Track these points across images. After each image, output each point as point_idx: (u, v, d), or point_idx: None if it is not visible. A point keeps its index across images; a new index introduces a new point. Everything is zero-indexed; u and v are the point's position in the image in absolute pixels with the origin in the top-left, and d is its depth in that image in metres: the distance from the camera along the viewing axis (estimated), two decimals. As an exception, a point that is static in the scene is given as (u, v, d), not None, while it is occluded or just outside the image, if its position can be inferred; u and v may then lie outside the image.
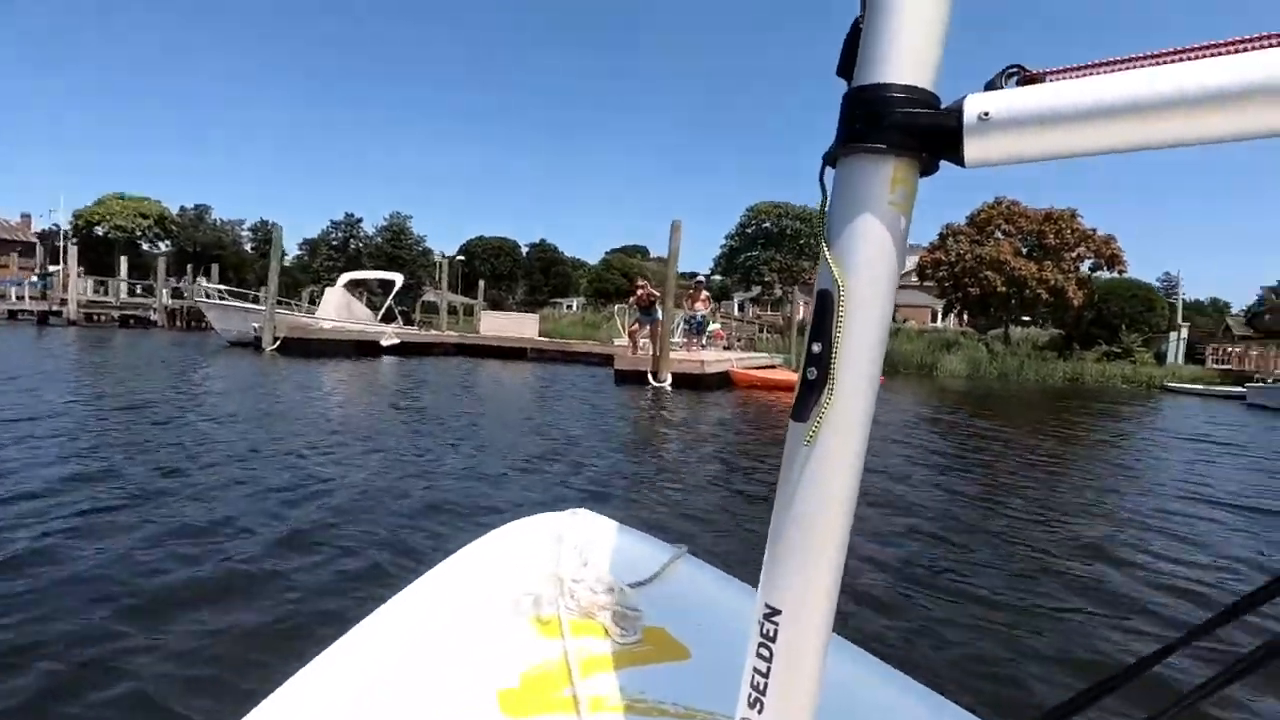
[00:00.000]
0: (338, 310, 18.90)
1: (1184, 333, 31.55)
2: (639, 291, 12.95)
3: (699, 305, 13.15)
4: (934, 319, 42.32)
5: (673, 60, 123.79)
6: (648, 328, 12.97)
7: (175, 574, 2.82)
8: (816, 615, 0.57)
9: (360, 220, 68.14)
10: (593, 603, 1.14)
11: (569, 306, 54.03)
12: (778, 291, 36.38)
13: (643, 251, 72.30)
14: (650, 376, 12.08)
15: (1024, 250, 31.67)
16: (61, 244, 41.07)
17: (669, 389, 11.76)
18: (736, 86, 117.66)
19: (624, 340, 20.58)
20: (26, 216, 45.91)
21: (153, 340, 19.41)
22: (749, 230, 36.76)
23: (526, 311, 24.30)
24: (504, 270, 69.59)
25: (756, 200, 37.03)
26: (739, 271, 37.38)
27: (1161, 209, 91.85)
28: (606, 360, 18.63)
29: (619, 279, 62.81)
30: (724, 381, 13.01)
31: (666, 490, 4.91)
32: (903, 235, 0.54)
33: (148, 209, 56.12)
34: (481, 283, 25.02)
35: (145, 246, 54.68)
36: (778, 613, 0.57)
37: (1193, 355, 31.49)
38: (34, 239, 43.87)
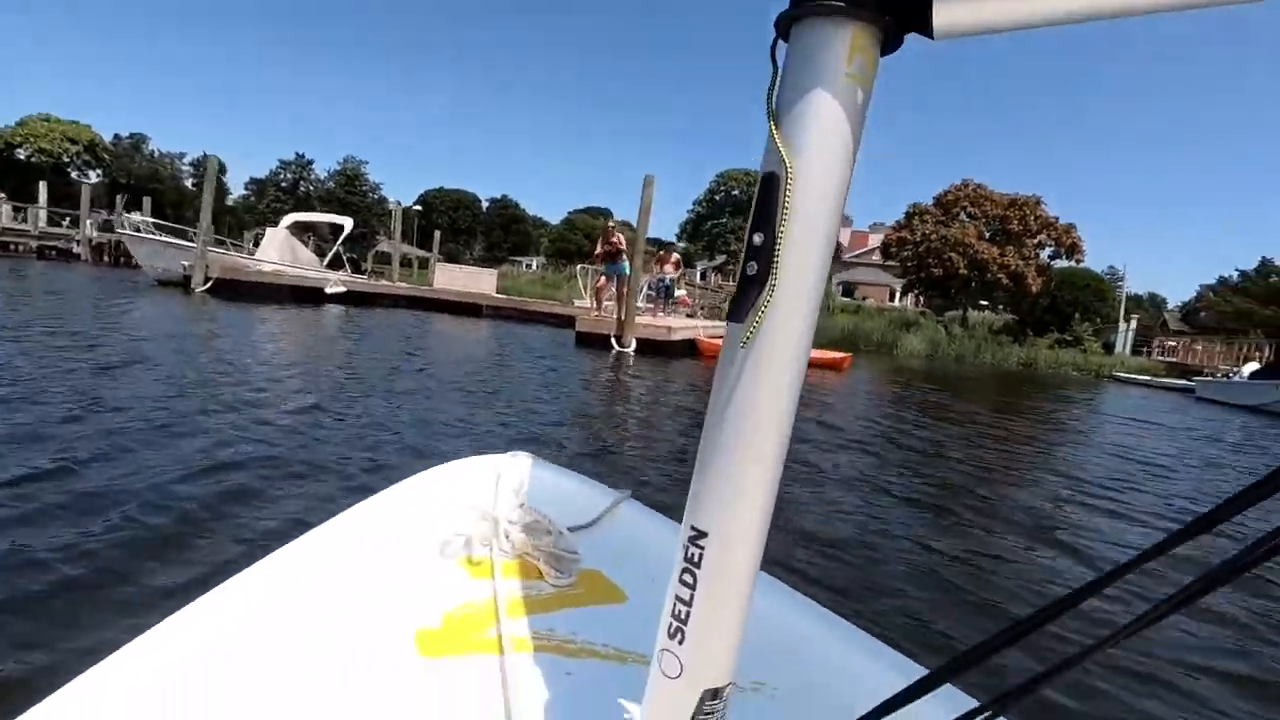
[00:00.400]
0: (279, 253, 17.60)
1: (1133, 324, 32.31)
2: (611, 238, 12.00)
3: (668, 268, 12.33)
4: (892, 298, 42.58)
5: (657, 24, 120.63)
6: (612, 287, 12.28)
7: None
8: (747, 538, 0.54)
9: (312, 162, 65.22)
10: (527, 544, 1.10)
11: (528, 265, 52.93)
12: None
13: (606, 214, 70.90)
14: (614, 340, 11.44)
15: (987, 234, 31.82)
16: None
17: (633, 355, 11.15)
18: (717, 50, 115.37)
19: (585, 301, 19.92)
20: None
21: (73, 275, 17.82)
22: (717, 198, 35.99)
23: (485, 267, 23.09)
24: (463, 224, 67.98)
25: (727, 167, 36.31)
26: (705, 239, 36.72)
27: (1110, 202, 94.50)
28: (567, 322, 17.86)
29: (581, 240, 61.58)
30: (690, 350, 12.47)
31: (624, 452, 4.48)
32: (860, 112, 0.49)
33: (77, 134, 52.23)
34: (437, 233, 23.72)
35: (74, 175, 50.94)
36: (703, 535, 0.54)
37: (1136, 348, 32.33)
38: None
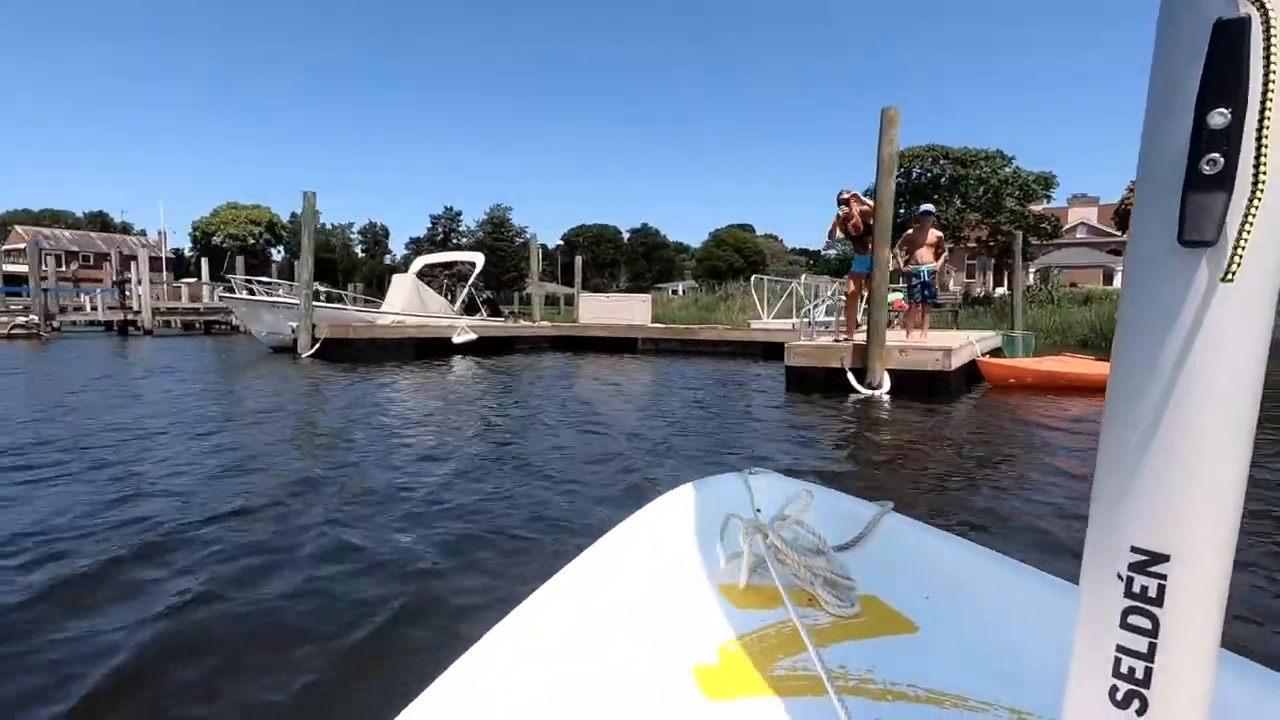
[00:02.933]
0: (407, 302, 15.24)
1: None
2: (851, 209, 7.74)
3: (924, 254, 7.69)
4: (1108, 281, 34.27)
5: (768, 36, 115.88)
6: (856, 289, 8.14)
7: None
8: (1223, 563, 0.40)
9: (460, 214, 67.08)
10: (801, 567, 0.96)
11: (674, 292, 50.07)
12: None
13: (749, 229, 66.65)
14: (851, 377, 7.22)
15: None
16: (160, 254, 41.32)
17: (887, 398, 6.89)
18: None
19: (765, 321, 15.81)
20: (161, 234, 47.22)
21: (206, 346, 16.62)
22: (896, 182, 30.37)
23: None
24: (605, 258, 67.79)
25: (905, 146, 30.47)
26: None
27: None
28: (747, 351, 13.91)
29: (731, 254, 57.76)
30: (970, 379, 7.97)
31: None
32: None
33: (258, 216, 56.97)
34: (579, 258, 20.56)
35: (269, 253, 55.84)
36: (1162, 559, 0.40)
37: None
38: (162, 253, 44.38)
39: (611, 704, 0.75)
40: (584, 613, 0.90)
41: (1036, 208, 29.78)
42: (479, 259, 17.17)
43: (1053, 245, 33.94)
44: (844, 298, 9.11)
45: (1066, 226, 37.83)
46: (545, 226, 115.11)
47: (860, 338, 7.53)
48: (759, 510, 1.16)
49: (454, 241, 66.87)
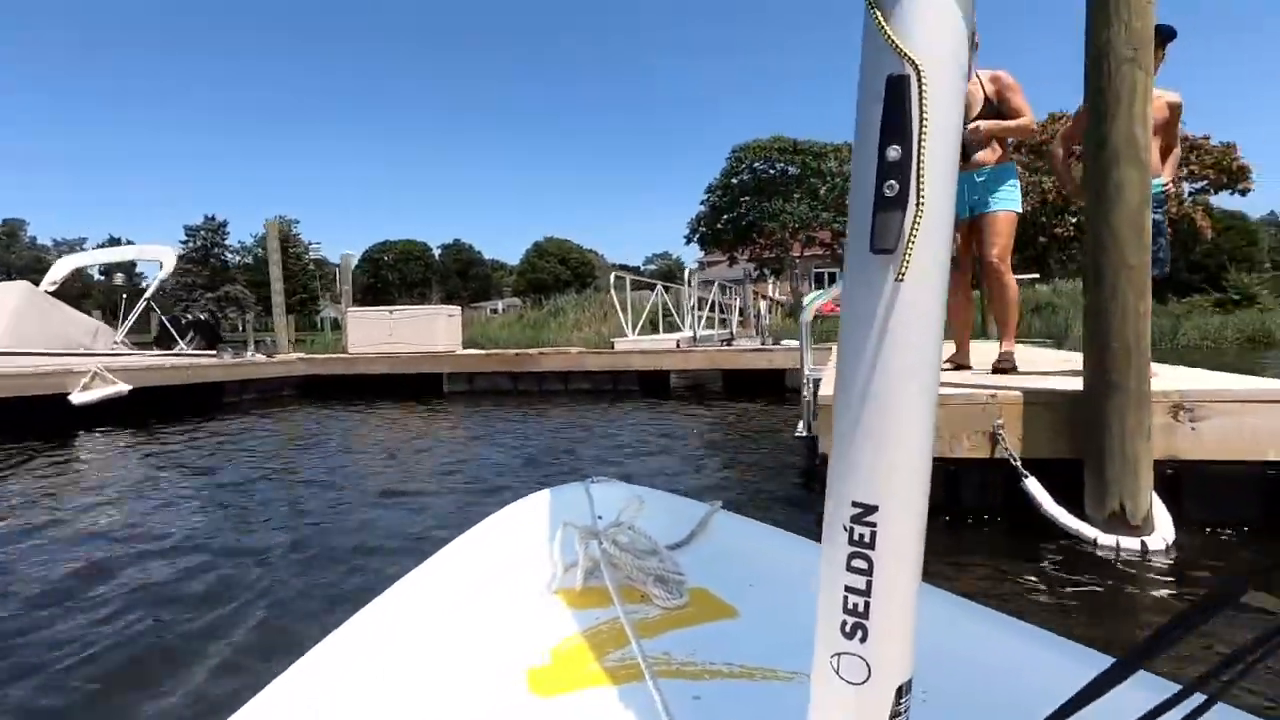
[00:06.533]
0: (12, 331, 8.47)
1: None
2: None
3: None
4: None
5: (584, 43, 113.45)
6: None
7: None
8: (919, 507, 0.49)
9: (225, 224, 55.51)
10: (633, 566, 1.04)
11: (494, 310, 44.58)
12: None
13: (573, 246, 62.30)
14: (1042, 499, 2.52)
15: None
16: None
17: (1165, 559, 2.30)
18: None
19: (632, 337, 10.95)
20: None
21: None
22: (738, 180, 27.20)
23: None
24: (415, 277, 60.58)
25: (741, 141, 27.38)
26: (731, 233, 27.73)
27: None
28: (616, 384, 8.99)
29: (555, 266, 52.88)
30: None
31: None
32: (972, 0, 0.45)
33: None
34: (346, 256, 13.98)
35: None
36: (872, 510, 0.48)
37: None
38: None
39: (442, 709, 0.77)
40: (420, 622, 0.93)
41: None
42: (167, 257, 10.50)
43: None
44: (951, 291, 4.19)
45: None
46: (343, 243, 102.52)
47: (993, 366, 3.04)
48: (600, 517, 1.23)
49: (222, 260, 55.59)
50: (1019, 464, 2.61)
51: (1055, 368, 3.89)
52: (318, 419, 7.68)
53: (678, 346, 9.85)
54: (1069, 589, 2.17)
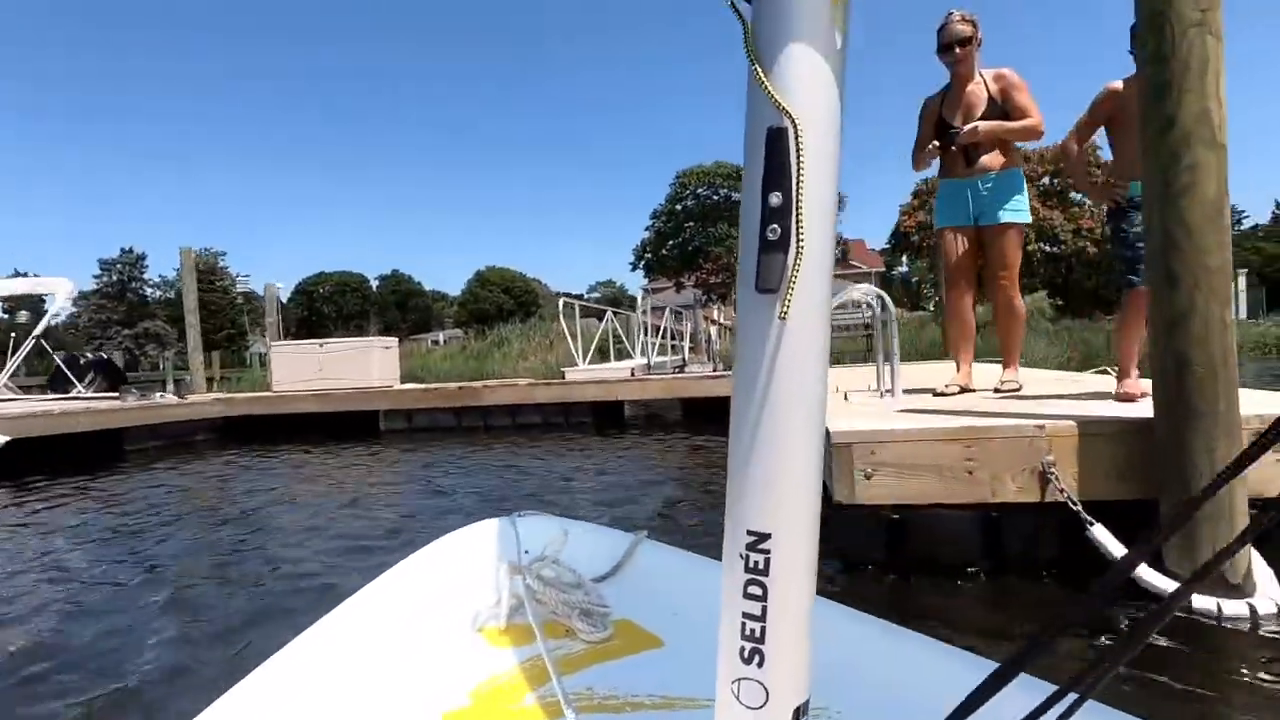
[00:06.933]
0: None
1: (1240, 281, 25.78)
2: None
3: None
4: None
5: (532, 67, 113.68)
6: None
7: None
8: (810, 532, 0.50)
9: (143, 257, 52.56)
10: (556, 601, 1.02)
11: (435, 342, 43.41)
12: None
13: (515, 274, 61.32)
14: (1151, 574, 2.07)
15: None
16: None
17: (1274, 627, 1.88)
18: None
19: (584, 366, 10.34)
20: None
21: None
22: (682, 206, 27.05)
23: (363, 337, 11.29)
24: (352, 309, 58.60)
25: (684, 166, 27.23)
26: (677, 259, 27.47)
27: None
28: (569, 416, 8.39)
29: (499, 295, 51.86)
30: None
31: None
32: (844, 55, 0.48)
33: None
34: (269, 286, 12.75)
35: None
36: (766, 537, 0.49)
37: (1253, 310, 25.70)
38: None
39: None
40: (335, 665, 0.90)
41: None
42: (60, 289, 9.35)
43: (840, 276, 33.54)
44: (1013, 302, 3.57)
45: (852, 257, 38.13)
46: (277, 276, 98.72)
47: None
48: (527, 551, 1.18)
49: (140, 294, 52.48)
50: (1079, 508, 2.16)
51: (1068, 389, 3.52)
52: (235, 466, 6.81)
53: (632, 375, 9.32)
54: (1165, 667, 1.71)
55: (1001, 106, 3.50)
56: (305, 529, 3.92)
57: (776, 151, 0.46)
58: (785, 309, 0.46)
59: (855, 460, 2.25)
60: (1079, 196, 24.08)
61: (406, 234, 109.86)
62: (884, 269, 42.27)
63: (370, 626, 0.99)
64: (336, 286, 59.89)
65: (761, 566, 0.49)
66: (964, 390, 3.62)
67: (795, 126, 0.45)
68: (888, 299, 3.75)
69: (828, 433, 2.97)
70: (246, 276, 55.88)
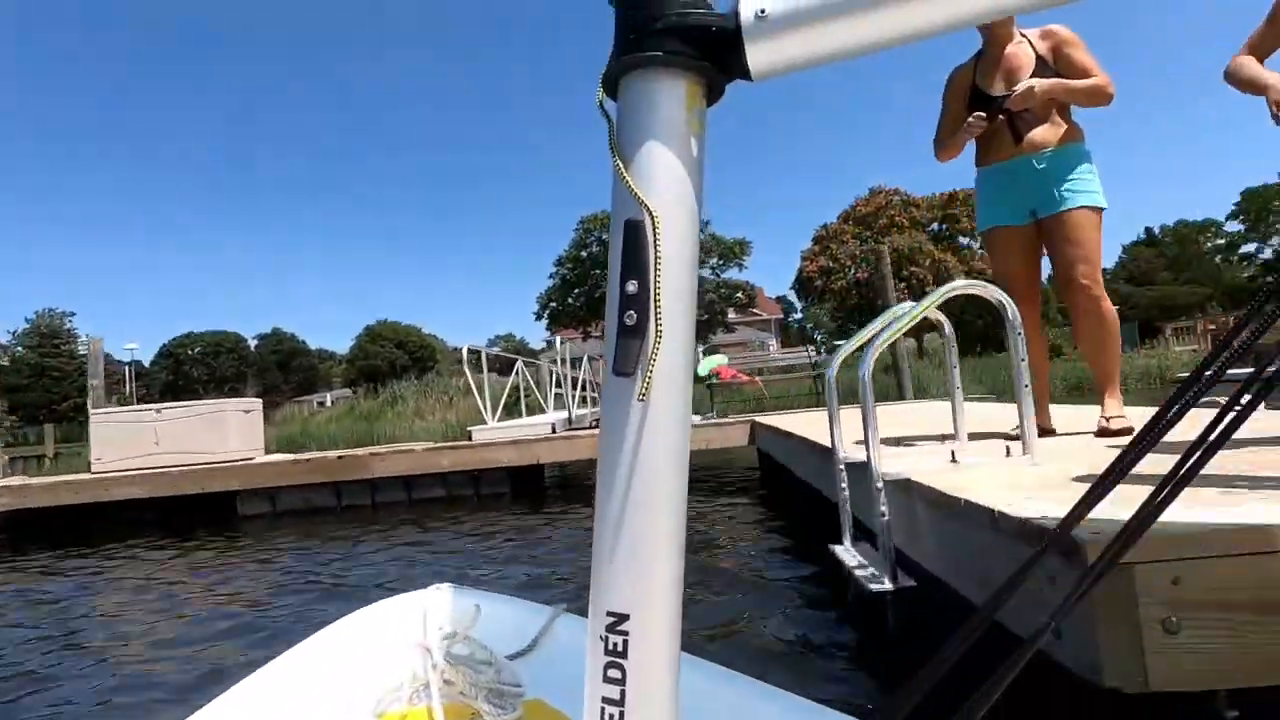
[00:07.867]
0: None
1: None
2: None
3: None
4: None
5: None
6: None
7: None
8: (672, 612, 0.49)
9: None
10: (464, 682, 0.99)
11: (321, 403, 40.20)
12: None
13: (409, 329, 58.36)
14: None
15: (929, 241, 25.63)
16: None
17: None
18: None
19: (494, 424, 8.85)
20: None
21: None
22: (588, 253, 26.13)
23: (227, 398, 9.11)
24: (227, 372, 53.50)
25: (589, 212, 26.46)
26: (583, 307, 26.40)
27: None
28: (479, 486, 6.85)
29: (391, 351, 48.75)
30: None
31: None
32: (700, 154, 0.50)
33: None
34: (91, 340, 10.32)
35: None
36: (624, 619, 0.48)
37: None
38: None
39: None
40: None
41: (731, 275, 28.56)
42: None
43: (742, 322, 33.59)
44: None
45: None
46: (134, 337, 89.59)
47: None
48: (441, 628, 1.14)
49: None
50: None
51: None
52: (19, 584, 4.90)
53: (554, 431, 8.00)
54: None
55: (1054, 68, 2.65)
56: (78, 677, 2.36)
57: (634, 242, 0.47)
58: (645, 390, 0.47)
59: (1142, 597, 1.09)
60: (967, 241, 25.15)
61: (287, 291, 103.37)
62: (782, 316, 43.16)
63: (261, 713, 0.93)
64: (208, 347, 54.85)
65: (620, 649, 0.48)
66: (1043, 432, 2.65)
67: (653, 219, 0.47)
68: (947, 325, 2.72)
69: (1054, 539, 1.77)
70: (99, 338, 50.12)
